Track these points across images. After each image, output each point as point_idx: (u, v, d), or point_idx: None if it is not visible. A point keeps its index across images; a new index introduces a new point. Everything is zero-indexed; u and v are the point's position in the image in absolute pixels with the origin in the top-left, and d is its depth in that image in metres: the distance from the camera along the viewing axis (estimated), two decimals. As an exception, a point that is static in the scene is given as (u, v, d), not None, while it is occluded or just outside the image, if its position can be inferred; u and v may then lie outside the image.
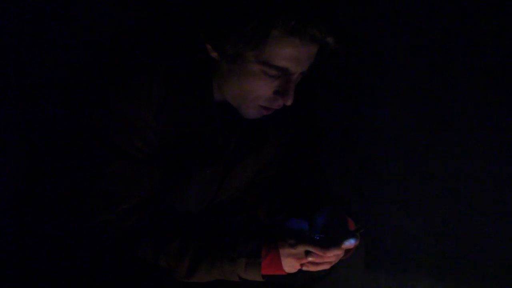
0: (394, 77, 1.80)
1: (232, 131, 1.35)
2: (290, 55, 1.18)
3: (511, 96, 1.73)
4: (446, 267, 1.82)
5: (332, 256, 1.26)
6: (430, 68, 1.79)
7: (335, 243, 1.24)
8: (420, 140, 1.82)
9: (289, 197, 1.47)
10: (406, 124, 1.83)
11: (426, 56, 1.78)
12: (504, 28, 1.69)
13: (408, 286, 1.81)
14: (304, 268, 1.29)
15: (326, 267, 1.29)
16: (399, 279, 1.83)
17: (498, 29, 1.70)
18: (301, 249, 1.26)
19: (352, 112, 1.86)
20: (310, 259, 1.26)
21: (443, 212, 1.83)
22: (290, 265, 1.28)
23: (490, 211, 1.79)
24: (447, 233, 1.83)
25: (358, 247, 1.30)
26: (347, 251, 1.29)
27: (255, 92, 1.23)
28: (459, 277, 1.80)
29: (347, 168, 1.88)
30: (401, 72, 1.79)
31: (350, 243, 1.24)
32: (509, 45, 1.70)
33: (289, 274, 1.30)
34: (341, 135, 1.87)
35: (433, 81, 1.79)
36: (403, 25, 1.77)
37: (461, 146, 1.79)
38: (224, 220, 1.43)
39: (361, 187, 1.87)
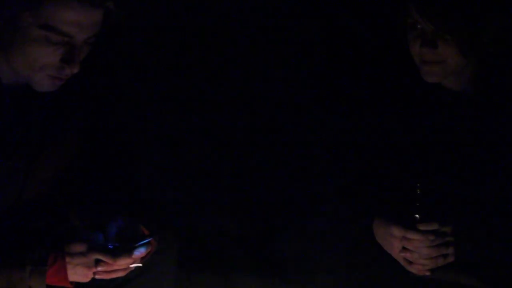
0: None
1: (30, 117, 1.33)
2: (71, 19, 1.20)
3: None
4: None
5: (123, 264, 1.30)
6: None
7: (126, 251, 1.29)
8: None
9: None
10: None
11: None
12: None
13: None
14: (97, 277, 1.31)
15: (120, 274, 1.32)
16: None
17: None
18: (91, 257, 1.28)
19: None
20: (99, 268, 1.28)
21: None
22: (80, 274, 1.29)
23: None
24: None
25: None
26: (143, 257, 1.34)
27: (41, 60, 1.23)
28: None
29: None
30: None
31: (140, 252, 1.30)
32: None
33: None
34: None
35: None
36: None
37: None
38: (30, 222, 1.38)
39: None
